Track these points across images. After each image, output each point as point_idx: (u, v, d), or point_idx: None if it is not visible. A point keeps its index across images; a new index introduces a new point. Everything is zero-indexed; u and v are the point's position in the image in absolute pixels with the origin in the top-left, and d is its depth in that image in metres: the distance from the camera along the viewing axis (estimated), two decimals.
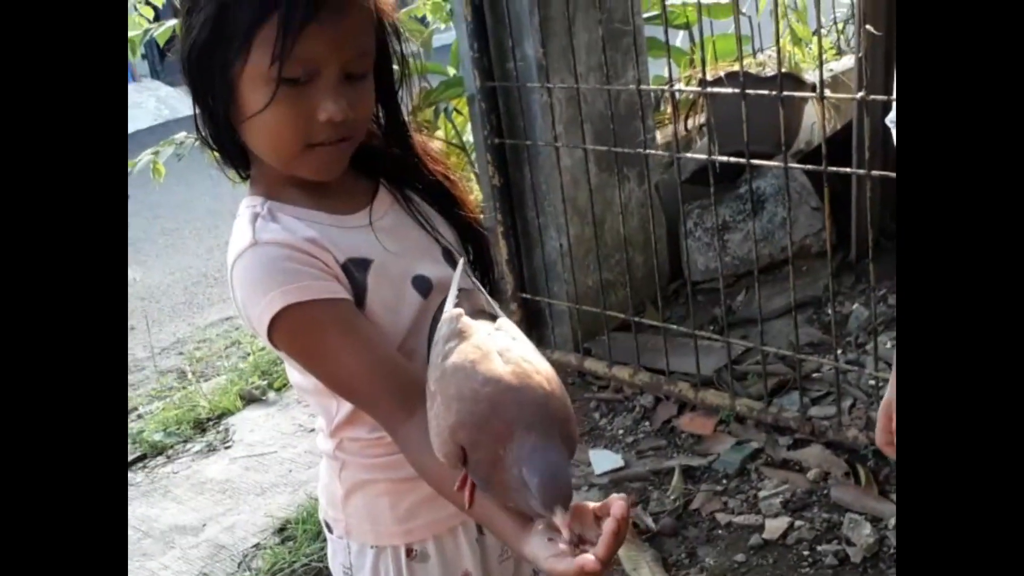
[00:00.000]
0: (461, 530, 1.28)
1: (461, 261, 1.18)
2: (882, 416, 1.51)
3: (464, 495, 1.01)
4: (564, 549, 0.91)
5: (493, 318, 1.09)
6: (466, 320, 1.04)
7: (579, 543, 0.92)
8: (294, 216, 1.15)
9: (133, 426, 3.47)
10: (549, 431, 0.94)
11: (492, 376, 0.96)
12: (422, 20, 3.94)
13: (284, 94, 1.07)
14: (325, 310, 1.10)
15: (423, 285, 1.19)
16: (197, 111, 1.15)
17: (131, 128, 8.53)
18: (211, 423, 3.41)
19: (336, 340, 1.11)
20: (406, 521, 1.24)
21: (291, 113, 1.08)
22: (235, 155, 1.18)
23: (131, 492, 3.06)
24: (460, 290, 1.10)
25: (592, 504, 0.94)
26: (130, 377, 3.97)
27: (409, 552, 1.26)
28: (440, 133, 3.69)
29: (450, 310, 1.06)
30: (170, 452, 3.28)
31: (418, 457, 1.07)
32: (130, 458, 3.25)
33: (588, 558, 0.88)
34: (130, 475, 3.17)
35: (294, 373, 1.23)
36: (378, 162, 1.24)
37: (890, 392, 1.54)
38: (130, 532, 2.84)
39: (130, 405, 3.69)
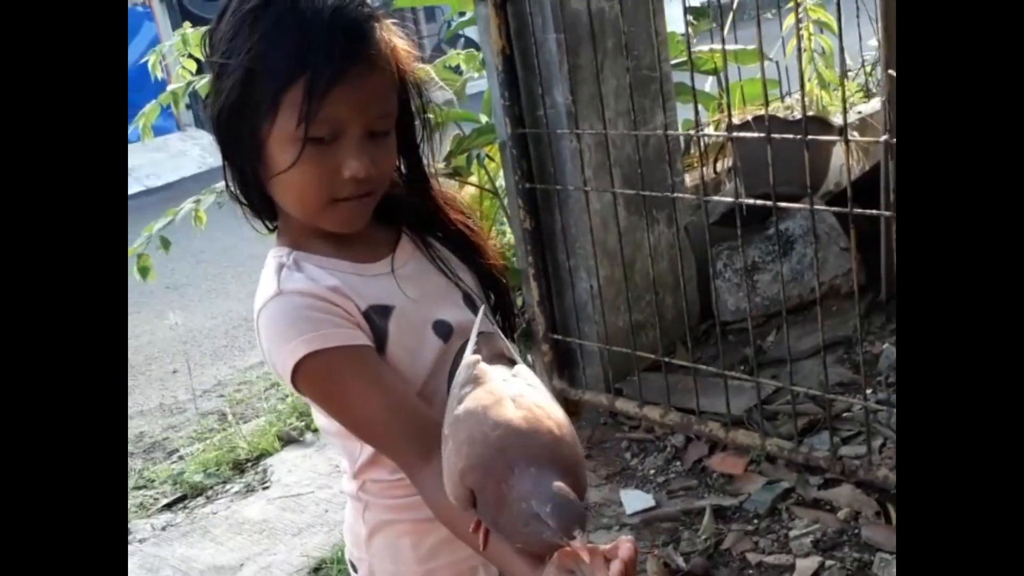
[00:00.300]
0: (482, 571, 1.28)
1: (482, 307, 1.20)
2: None
3: (479, 537, 1.02)
4: None
5: (512, 362, 1.10)
6: (482, 366, 1.06)
7: None
8: (318, 265, 1.18)
9: (174, 467, 3.51)
10: (555, 471, 0.94)
11: (502, 421, 0.97)
12: (456, 69, 3.99)
13: (310, 153, 1.10)
14: (345, 357, 1.12)
15: (443, 329, 1.22)
16: (226, 167, 1.18)
17: (176, 176, 8.76)
18: (250, 464, 3.43)
19: (356, 386, 1.13)
20: (427, 561, 1.25)
21: (316, 171, 1.11)
22: (262, 209, 1.21)
23: (171, 532, 3.09)
24: (480, 334, 1.12)
25: (603, 547, 0.94)
26: (172, 419, 4.02)
27: None
28: (473, 178, 3.73)
29: (468, 356, 1.08)
30: (210, 493, 3.31)
31: (435, 500, 1.08)
32: (171, 499, 3.29)
33: None
34: (170, 516, 3.20)
35: (319, 416, 1.25)
36: (400, 211, 1.27)
37: None
38: (170, 572, 2.87)
39: (172, 447, 3.74)
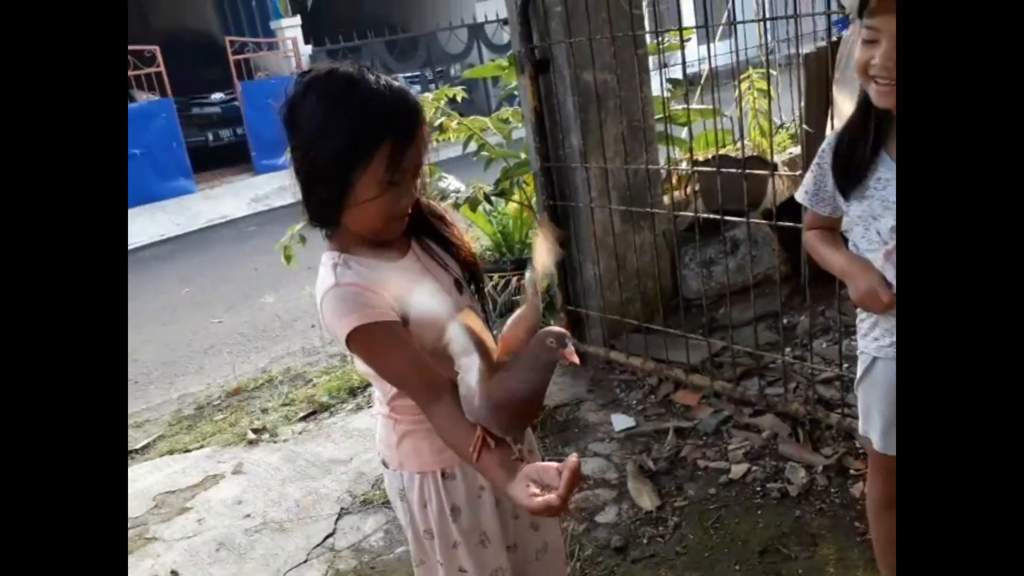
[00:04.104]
0: None
1: (464, 293, 1.22)
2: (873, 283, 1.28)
3: (473, 456, 1.04)
4: (536, 492, 0.93)
5: (485, 321, 1.11)
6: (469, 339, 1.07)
7: (546, 488, 0.94)
8: (362, 265, 1.17)
9: (310, 391, 3.55)
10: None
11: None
12: (506, 121, 3.99)
13: (387, 190, 1.12)
14: (380, 328, 1.12)
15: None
16: (306, 199, 1.16)
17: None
18: (359, 390, 3.45)
19: (387, 349, 1.13)
20: (440, 452, 1.23)
21: (388, 203, 1.14)
22: (328, 224, 1.19)
23: (305, 435, 3.13)
24: (462, 309, 1.11)
25: (556, 464, 0.95)
26: (310, 358, 4.05)
27: (443, 474, 1.27)
28: (515, 197, 3.72)
29: (449, 332, 1.07)
30: (332, 409, 3.34)
31: (440, 427, 1.12)
32: (306, 413, 3.33)
33: (552, 496, 0.91)
34: (305, 424, 3.24)
35: (360, 365, 1.23)
36: (410, 224, 1.25)
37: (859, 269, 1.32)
38: (301, 463, 2.92)
39: (308, 377, 3.76)
